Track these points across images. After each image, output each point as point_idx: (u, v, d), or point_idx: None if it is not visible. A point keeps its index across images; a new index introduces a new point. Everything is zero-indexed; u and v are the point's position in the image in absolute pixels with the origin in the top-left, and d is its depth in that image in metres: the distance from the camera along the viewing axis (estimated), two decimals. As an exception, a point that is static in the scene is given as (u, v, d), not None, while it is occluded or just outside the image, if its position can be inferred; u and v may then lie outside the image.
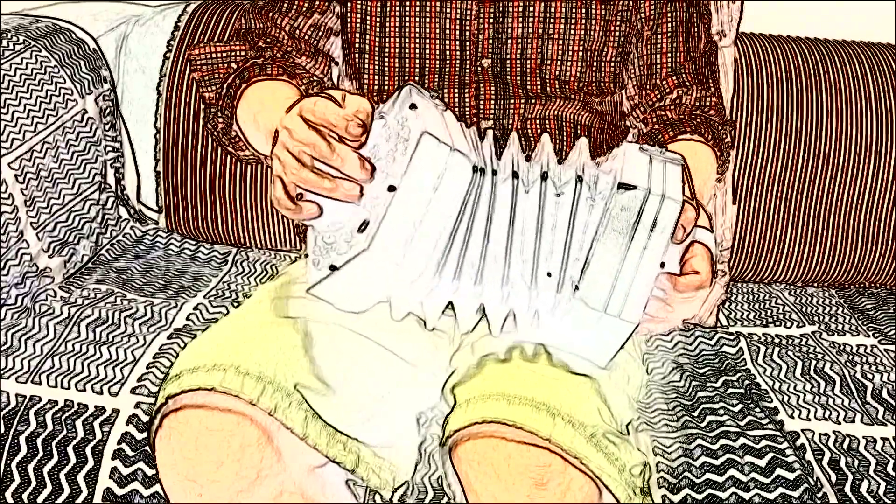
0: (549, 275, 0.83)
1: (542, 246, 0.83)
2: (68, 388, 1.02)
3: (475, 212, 0.81)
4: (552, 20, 1.06)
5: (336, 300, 0.84)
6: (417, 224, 0.77)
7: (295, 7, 1.08)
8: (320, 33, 1.09)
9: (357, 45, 1.08)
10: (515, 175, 0.83)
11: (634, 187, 0.81)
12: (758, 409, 1.06)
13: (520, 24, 1.06)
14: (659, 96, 1.14)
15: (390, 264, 0.78)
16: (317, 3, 1.08)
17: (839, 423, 1.05)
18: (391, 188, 0.77)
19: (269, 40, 1.07)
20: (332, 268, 0.80)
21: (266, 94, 0.96)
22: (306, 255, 0.84)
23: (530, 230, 0.83)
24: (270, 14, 1.08)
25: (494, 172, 0.82)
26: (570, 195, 0.82)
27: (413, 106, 0.81)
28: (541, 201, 0.83)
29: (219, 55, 1.05)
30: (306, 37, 1.08)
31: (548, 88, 1.08)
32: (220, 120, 1.02)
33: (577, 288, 0.81)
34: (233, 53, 1.05)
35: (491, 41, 1.06)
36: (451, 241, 0.80)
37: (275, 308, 0.96)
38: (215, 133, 1.04)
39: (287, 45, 1.07)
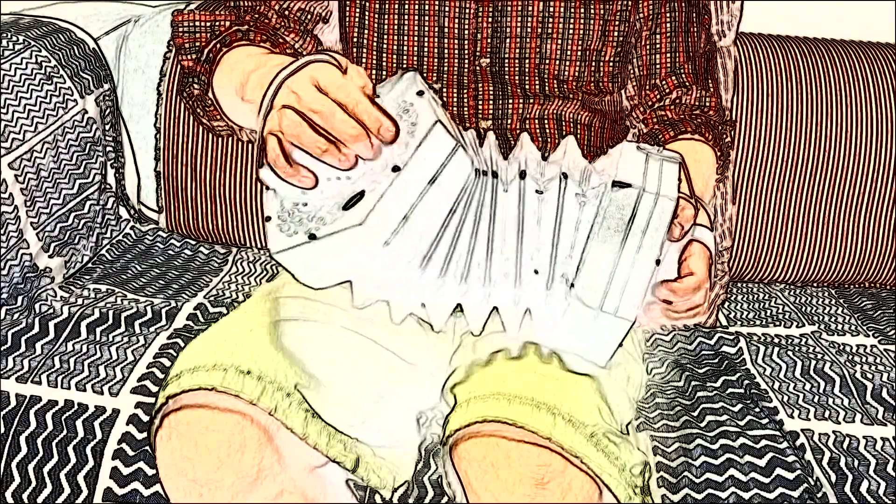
0: (535, 272, 0.83)
1: (524, 243, 0.83)
2: (68, 388, 1.02)
3: (467, 211, 0.81)
4: (551, 20, 1.06)
5: (301, 272, 0.82)
6: (410, 210, 0.77)
7: None
8: (309, 17, 1.08)
9: (355, 40, 1.08)
10: (495, 175, 0.83)
11: (629, 185, 0.81)
12: (757, 409, 1.06)
13: (518, 24, 1.06)
14: (658, 96, 1.14)
15: (377, 245, 0.77)
16: None
17: (839, 423, 1.05)
18: (395, 168, 0.77)
19: (256, 16, 1.06)
20: (312, 237, 0.78)
21: (246, 55, 0.94)
22: (267, 219, 0.81)
23: (511, 228, 0.83)
24: None
25: (496, 174, 0.82)
26: (555, 192, 0.82)
27: (420, 93, 0.80)
28: (520, 199, 0.82)
29: (202, 23, 1.03)
30: (295, 17, 1.07)
31: (546, 88, 1.08)
32: (196, 87, 1.00)
33: (572, 286, 0.81)
34: (216, 22, 1.04)
35: (489, 40, 1.06)
36: (440, 237, 0.80)
37: (269, 311, 0.95)
38: (190, 101, 1.02)
39: (275, 23, 1.06)
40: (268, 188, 0.81)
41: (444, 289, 0.83)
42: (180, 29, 1.02)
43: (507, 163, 0.85)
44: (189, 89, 1.01)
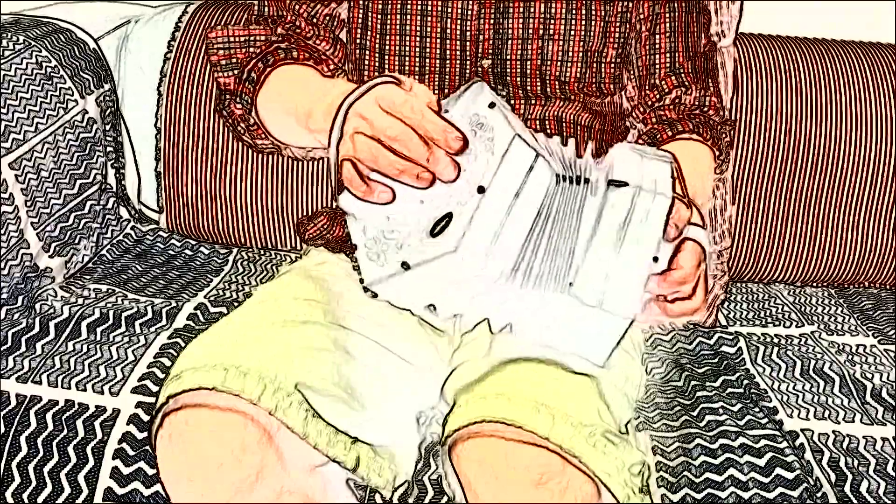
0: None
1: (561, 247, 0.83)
2: (69, 387, 1.02)
3: (548, 217, 0.80)
4: (552, 21, 1.06)
5: (396, 298, 0.82)
6: (500, 229, 0.76)
7: None
8: (336, 22, 1.08)
9: (358, 42, 1.08)
10: (587, 181, 0.82)
11: (625, 184, 0.81)
12: (757, 409, 1.06)
13: (520, 25, 1.06)
14: (658, 96, 1.14)
15: (473, 268, 0.76)
16: None
17: (838, 423, 1.06)
18: (480, 189, 0.76)
19: (288, 26, 1.06)
20: (405, 265, 0.77)
21: (295, 76, 0.93)
22: (354, 247, 0.80)
23: (556, 232, 0.83)
24: (287, 1, 1.07)
25: (587, 180, 0.81)
26: (579, 197, 0.83)
27: (492, 105, 0.79)
28: (602, 203, 0.83)
29: (237, 39, 1.02)
30: (324, 24, 1.07)
31: (548, 89, 1.08)
32: (238, 106, 0.99)
33: (571, 284, 0.81)
34: (251, 38, 1.03)
35: (491, 41, 1.06)
36: (525, 249, 0.79)
37: (271, 312, 0.95)
38: (231, 120, 1.01)
39: (307, 31, 1.06)
40: (348, 215, 0.81)
41: (525, 297, 0.82)
42: (215, 45, 1.01)
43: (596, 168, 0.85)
44: (229, 108, 1.00)
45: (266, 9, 1.08)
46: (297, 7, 1.06)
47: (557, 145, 0.84)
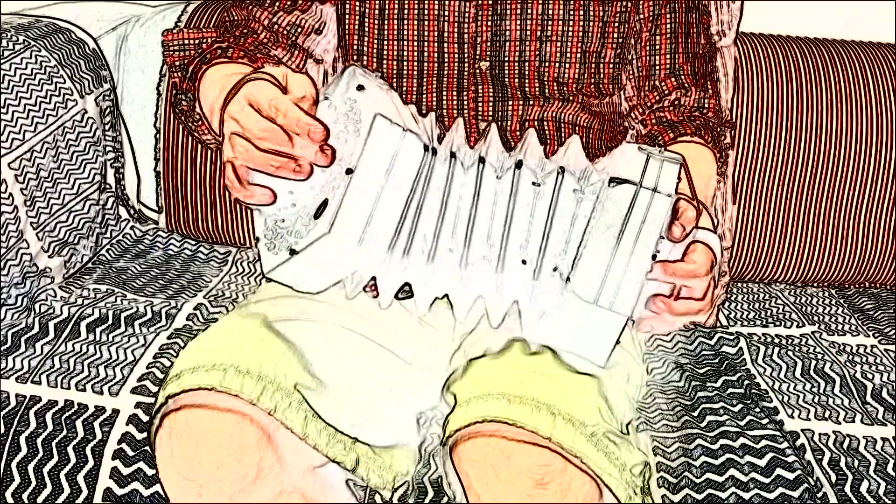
0: (523, 262, 0.83)
1: (512, 233, 0.83)
2: (68, 388, 1.02)
3: (426, 190, 0.82)
4: (550, 22, 1.06)
5: (295, 282, 0.85)
6: (374, 205, 0.79)
7: (277, 3, 1.08)
8: (300, 30, 1.09)
9: (355, 47, 1.08)
10: (453, 155, 0.84)
11: (626, 181, 0.82)
12: (758, 409, 1.06)
13: (518, 27, 1.06)
14: (658, 98, 1.13)
15: (351, 245, 0.80)
16: (299, 1, 1.08)
17: (839, 423, 1.05)
18: (349, 171, 0.78)
19: (245, 31, 1.07)
20: (292, 252, 0.81)
21: (221, 75, 0.96)
22: (256, 240, 0.84)
23: (500, 216, 0.83)
24: (251, 7, 1.09)
25: (434, 151, 0.83)
26: (551, 185, 0.83)
27: (360, 87, 0.82)
28: (513, 189, 0.83)
29: (190, 41, 1.05)
30: (284, 31, 1.08)
31: (546, 90, 1.08)
32: (185, 103, 1.02)
33: (568, 280, 0.81)
34: (204, 40, 1.05)
35: (489, 43, 1.06)
36: (403, 219, 0.81)
37: (266, 311, 0.95)
38: (182, 117, 1.05)
39: (263, 37, 1.07)
40: (254, 210, 0.84)
41: (410, 268, 0.84)
42: (171, 48, 1.05)
43: (507, 154, 0.86)
44: (179, 104, 1.03)
45: (232, 14, 1.10)
46: (258, 14, 1.08)
47: (417, 118, 0.87)
